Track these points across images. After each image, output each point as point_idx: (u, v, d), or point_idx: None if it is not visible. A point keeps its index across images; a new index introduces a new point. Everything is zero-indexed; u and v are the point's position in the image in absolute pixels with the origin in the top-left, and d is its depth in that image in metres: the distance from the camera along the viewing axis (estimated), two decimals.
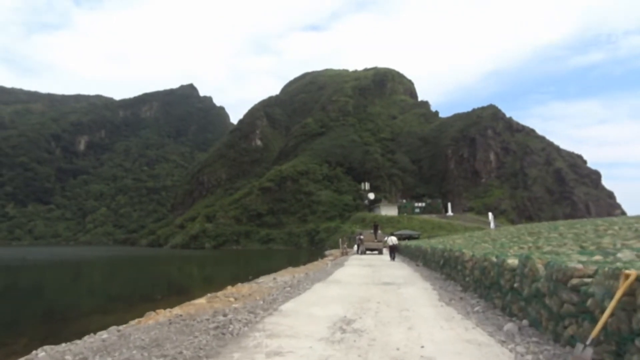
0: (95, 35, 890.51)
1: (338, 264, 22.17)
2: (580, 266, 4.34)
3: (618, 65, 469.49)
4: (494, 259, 7.14)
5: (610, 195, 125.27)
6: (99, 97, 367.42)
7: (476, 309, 6.84)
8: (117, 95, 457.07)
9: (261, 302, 8.19)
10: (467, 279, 9.62)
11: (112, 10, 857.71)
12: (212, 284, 21.06)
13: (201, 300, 8.97)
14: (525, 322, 5.44)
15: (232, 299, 8.90)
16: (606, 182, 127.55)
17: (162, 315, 7.73)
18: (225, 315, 6.71)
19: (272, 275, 15.24)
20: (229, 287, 11.36)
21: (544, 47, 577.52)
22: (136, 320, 8.05)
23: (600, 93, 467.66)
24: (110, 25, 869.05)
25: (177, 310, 7.95)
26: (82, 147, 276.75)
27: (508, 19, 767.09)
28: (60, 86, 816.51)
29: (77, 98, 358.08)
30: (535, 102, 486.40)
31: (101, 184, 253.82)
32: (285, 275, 14.63)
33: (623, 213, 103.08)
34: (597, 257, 5.17)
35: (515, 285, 5.96)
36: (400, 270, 16.27)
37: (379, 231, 41.44)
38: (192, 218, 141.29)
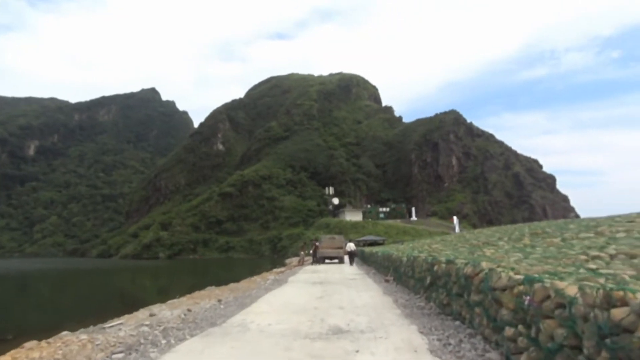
0: (51, 38, 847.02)
1: (280, 280, 17.22)
2: None
3: (560, 80, 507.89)
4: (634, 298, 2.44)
5: (565, 199, 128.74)
6: (52, 100, 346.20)
7: None
8: (74, 99, 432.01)
9: None
10: (507, 327, 4.10)
11: (69, 12, 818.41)
12: (107, 310, 16.89)
13: None
14: None
15: None
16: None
17: None
18: None
19: (158, 307, 10.33)
20: (42, 344, 7.30)
21: (495, 61, 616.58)
22: None
23: (545, 106, 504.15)
24: (68, 28, 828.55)
25: None
26: (31, 152, 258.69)
27: (462, 33, 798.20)
28: (11, 88, 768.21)
29: (29, 100, 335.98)
30: (489, 113, 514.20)
31: (52, 191, 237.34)
32: (180, 305, 9.63)
33: (577, 216, 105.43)
34: None
35: None
36: (363, 293, 10.87)
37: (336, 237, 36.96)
38: (146, 226, 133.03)
